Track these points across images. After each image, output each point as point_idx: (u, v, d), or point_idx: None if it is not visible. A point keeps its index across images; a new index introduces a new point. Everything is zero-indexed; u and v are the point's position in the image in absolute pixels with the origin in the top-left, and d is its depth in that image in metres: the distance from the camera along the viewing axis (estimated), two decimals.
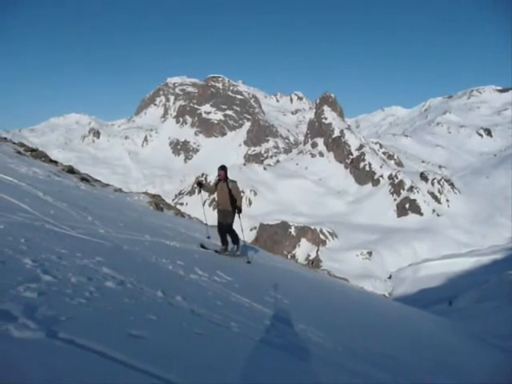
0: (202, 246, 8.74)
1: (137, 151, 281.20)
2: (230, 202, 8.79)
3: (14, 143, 17.46)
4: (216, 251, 8.86)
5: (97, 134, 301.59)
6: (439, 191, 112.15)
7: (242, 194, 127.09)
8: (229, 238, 9.25)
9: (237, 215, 9.05)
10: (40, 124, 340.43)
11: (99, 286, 3.33)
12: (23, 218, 5.23)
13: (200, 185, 9.31)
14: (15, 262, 3.24)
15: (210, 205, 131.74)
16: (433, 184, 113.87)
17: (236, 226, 9.18)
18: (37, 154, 16.40)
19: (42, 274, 3.07)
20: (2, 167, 10.05)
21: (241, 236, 9.67)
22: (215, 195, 9.05)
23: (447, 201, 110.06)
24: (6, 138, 18.28)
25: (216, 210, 9.13)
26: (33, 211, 5.91)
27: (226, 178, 8.82)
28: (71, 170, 15.80)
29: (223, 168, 8.87)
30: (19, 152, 15.02)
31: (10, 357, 1.81)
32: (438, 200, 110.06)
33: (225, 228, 9.05)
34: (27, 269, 3.15)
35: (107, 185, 17.55)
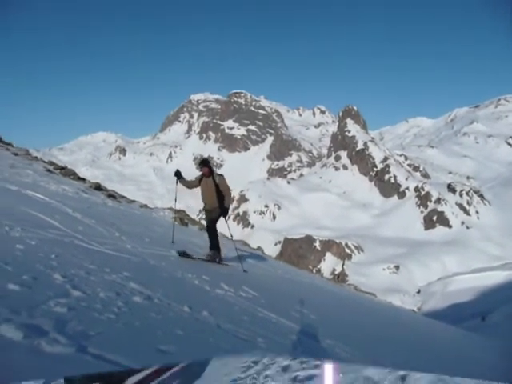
0: (182, 254, 7.34)
1: (161, 167, 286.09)
2: (216, 199, 7.83)
3: (45, 162, 18.02)
4: (199, 258, 7.76)
5: (123, 151, 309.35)
6: (468, 203, 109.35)
7: (267, 208, 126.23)
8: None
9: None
10: (69, 143, 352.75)
11: (127, 301, 3.36)
12: (54, 235, 5.35)
13: (178, 176, 8.25)
14: (46, 278, 3.30)
15: (234, 219, 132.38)
16: (461, 195, 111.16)
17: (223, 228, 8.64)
18: (66, 172, 16.87)
19: (71, 290, 3.12)
20: (34, 185, 10.36)
21: (267, 251, 9.48)
22: (200, 193, 8.07)
23: (477, 212, 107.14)
24: (36, 157, 18.92)
25: (204, 212, 8.29)
26: (63, 228, 6.04)
27: (210, 174, 7.88)
28: (98, 187, 16.17)
29: (206, 163, 7.94)
30: (49, 170, 15.48)
31: (41, 371, 1.84)
32: (466, 212, 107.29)
33: (207, 226, 8.22)
34: (57, 284, 3.21)
35: (133, 201, 17.86)
